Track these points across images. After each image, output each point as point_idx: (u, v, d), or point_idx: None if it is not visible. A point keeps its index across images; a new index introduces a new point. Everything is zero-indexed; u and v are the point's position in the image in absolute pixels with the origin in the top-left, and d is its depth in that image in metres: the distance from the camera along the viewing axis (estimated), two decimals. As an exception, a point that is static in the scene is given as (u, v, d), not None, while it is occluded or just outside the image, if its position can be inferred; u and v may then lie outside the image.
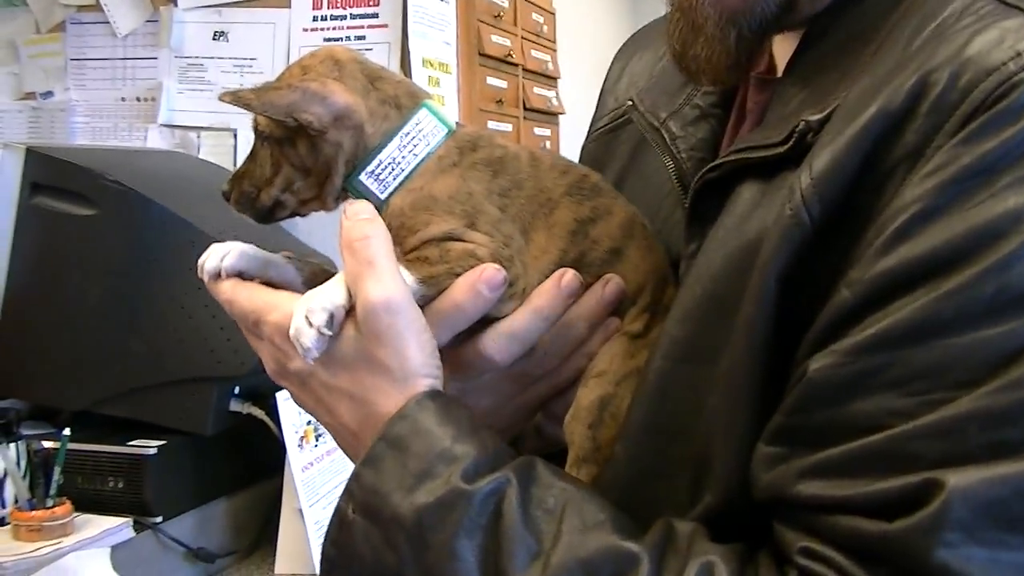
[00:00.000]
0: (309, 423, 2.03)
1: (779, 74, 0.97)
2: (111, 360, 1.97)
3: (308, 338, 0.88)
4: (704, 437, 0.84)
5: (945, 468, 0.67)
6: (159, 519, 1.88)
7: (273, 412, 1.98)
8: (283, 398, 1.95)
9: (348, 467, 1.92)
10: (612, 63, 1.29)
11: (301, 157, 0.97)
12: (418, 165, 0.96)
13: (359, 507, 0.85)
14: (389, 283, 0.88)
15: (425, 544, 0.81)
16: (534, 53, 3.65)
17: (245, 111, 0.96)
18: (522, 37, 3.42)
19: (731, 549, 0.79)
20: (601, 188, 1.03)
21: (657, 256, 1.02)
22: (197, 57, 2.82)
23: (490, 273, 0.91)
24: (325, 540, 0.87)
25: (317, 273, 0.99)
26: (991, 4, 0.78)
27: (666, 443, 0.87)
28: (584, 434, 0.96)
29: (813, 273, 0.77)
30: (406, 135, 0.96)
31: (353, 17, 2.66)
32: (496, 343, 0.95)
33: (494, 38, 3.11)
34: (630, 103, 1.12)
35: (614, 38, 6.53)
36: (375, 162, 0.96)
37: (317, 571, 1.91)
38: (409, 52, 2.56)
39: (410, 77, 2.55)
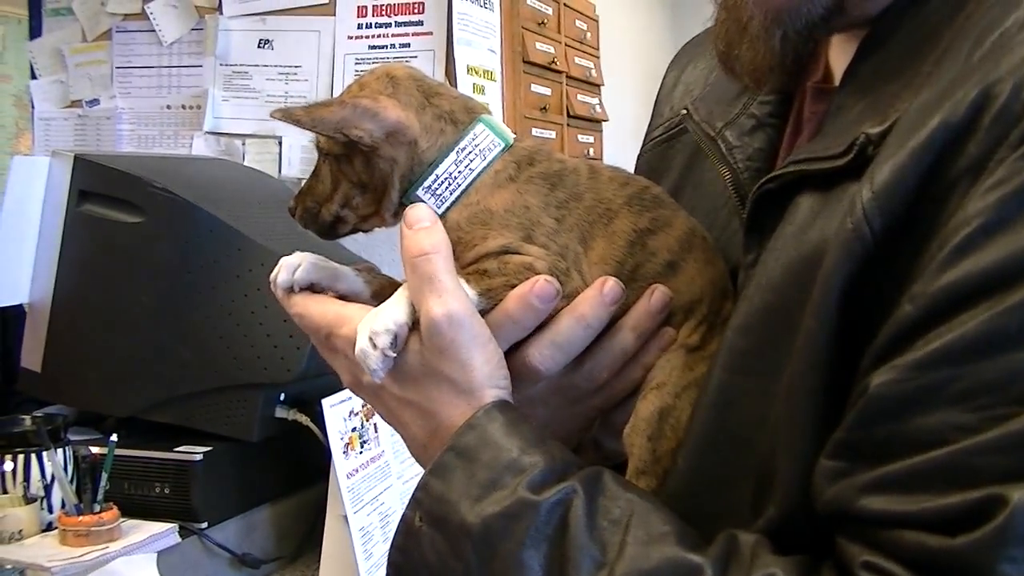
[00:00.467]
0: (354, 430, 2.03)
1: (836, 83, 0.95)
2: (158, 366, 1.99)
3: (373, 360, 0.90)
4: (766, 450, 0.83)
5: (1009, 483, 0.66)
6: (205, 525, 1.89)
7: (319, 419, 1.98)
8: (328, 405, 1.95)
9: (392, 474, 1.94)
10: (667, 71, 1.28)
11: (357, 173, 0.98)
12: (475, 180, 0.97)
13: (426, 515, 0.86)
14: (450, 298, 0.89)
15: (492, 553, 0.82)
16: (578, 60, 3.65)
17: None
18: (566, 44, 3.42)
19: (794, 562, 0.78)
20: (663, 200, 1.02)
21: (716, 270, 1.01)
22: (242, 65, 2.84)
23: (542, 286, 0.92)
24: (391, 547, 0.88)
25: (385, 286, 1.00)
26: None
27: (728, 455, 0.87)
28: (644, 446, 0.95)
29: (875, 287, 0.76)
30: (462, 150, 0.97)
31: (398, 25, 2.67)
32: (540, 353, 0.95)
33: (538, 45, 3.11)
34: (685, 112, 1.11)
35: (656, 45, 6.52)
36: (432, 177, 0.97)
37: (361, 577, 1.92)
38: (454, 60, 2.56)
39: (455, 85, 2.55)
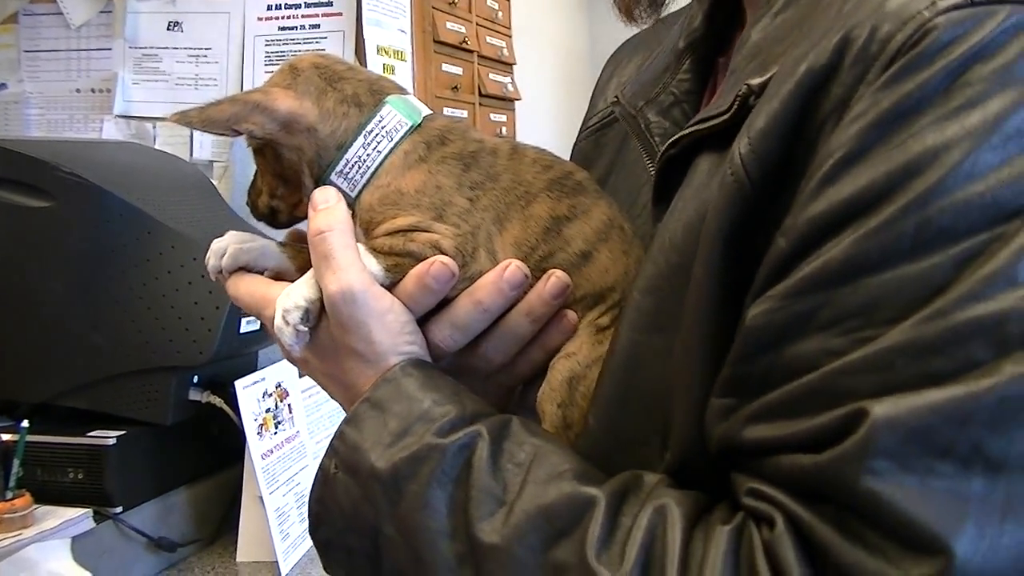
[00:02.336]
0: (268, 411, 2.04)
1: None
2: (70, 352, 1.98)
3: (287, 336, 0.95)
4: (668, 401, 0.86)
5: (872, 399, 0.68)
6: (120, 509, 1.89)
7: (232, 400, 1.99)
8: (242, 386, 1.96)
9: (308, 454, 1.95)
10: (604, 68, 1.33)
11: (271, 165, 1.02)
12: (383, 161, 0.99)
13: (341, 463, 0.90)
14: (344, 275, 0.93)
15: (399, 495, 0.86)
16: (489, 40, 3.66)
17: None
18: (477, 24, 3.43)
19: (690, 495, 0.81)
20: (585, 187, 1.04)
21: (631, 259, 1.03)
22: (152, 47, 2.82)
23: (438, 267, 0.95)
24: (311, 496, 0.92)
25: (308, 260, 1.00)
26: None
27: (638, 413, 0.89)
28: (555, 412, 0.98)
29: (757, 230, 0.78)
30: (369, 132, 0.99)
31: (307, 6, 2.66)
32: (440, 332, 0.98)
33: (449, 25, 3.11)
34: (615, 99, 1.14)
35: (568, 24, 6.54)
36: (343, 162, 0.99)
37: (278, 558, 1.93)
38: (364, 40, 2.57)
39: (365, 65, 2.56)
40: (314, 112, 0.99)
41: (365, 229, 0.99)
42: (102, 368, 1.96)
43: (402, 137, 0.99)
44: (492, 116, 3.67)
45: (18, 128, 2.94)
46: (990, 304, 0.67)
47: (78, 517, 1.81)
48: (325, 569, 0.95)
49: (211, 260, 1.03)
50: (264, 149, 1.01)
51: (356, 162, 0.99)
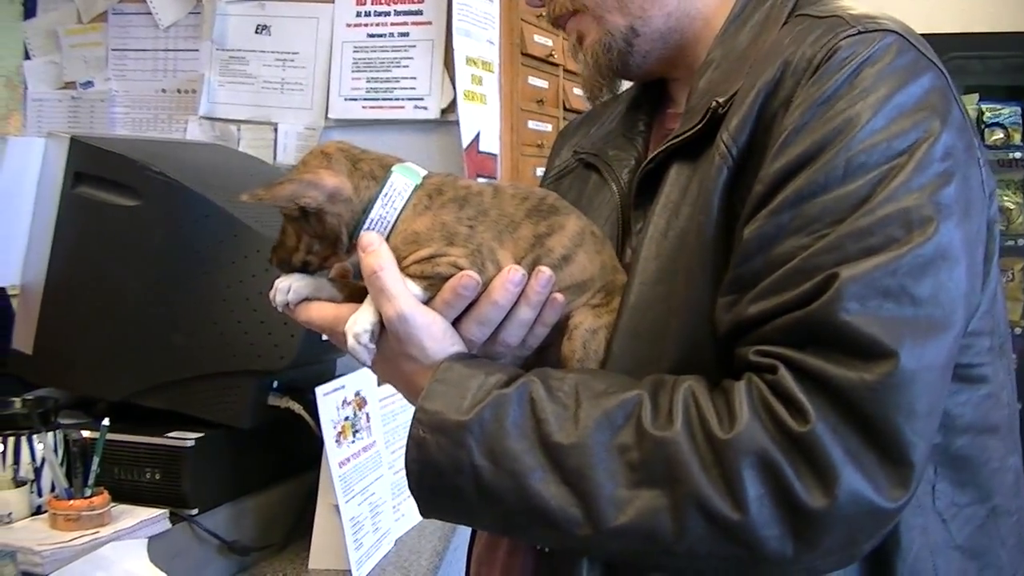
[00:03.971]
0: (347, 419, 2.03)
1: (681, 109, 1.37)
2: (151, 351, 1.98)
3: (361, 353, 1.25)
4: (664, 320, 1.23)
5: (837, 266, 1.08)
6: (195, 511, 1.88)
7: (311, 407, 1.97)
8: (322, 393, 1.95)
9: (384, 464, 1.99)
10: (556, 141, 1.72)
11: (314, 228, 1.26)
12: (399, 215, 1.26)
13: (428, 428, 1.17)
14: (397, 301, 1.20)
15: (485, 434, 1.14)
16: (575, 53, 3.63)
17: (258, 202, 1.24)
18: (563, 37, 3.40)
19: (702, 377, 1.16)
20: (557, 207, 1.32)
21: (604, 256, 1.33)
22: (239, 50, 2.83)
23: (466, 279, 1.21)
24: (407, 460, 1.18)
25: (353, 290, 1.30)
26: (811, 20, 1.24)
27: (645, 340, 1.25)
28: (576, 365, 1.27)
29: (738, 188, 1.19)
30: (385, 196, 1.26)
31: (397, 14, 2.65)
32: (469, 328, 1.25)
33: (536, 38, 3.10)
34: (572, 153, 1.57)
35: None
36: (368, 221, 1.26)
37: (351, 566, 1.92)
38: (453, 50, 2.55)
39: (453, 75, 2.55)
40: (349, 186, 1.25)
41: (398, 264, 1.24)
42: (182, 369, 1.96)
43: (410, 195, 1.26)
44: (575, 130, 3.64)
45: (103, 126, 2.96)
46: (899, 203, 1.10)
47: (155, 517, 1.80)
48: (425, 516, 1.23)
49: (278, 296, 1.29)
50: (307, 217, 1.25)
51: (378, 219, 1.25)
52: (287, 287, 1.29)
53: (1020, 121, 6.21)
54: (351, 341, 1.23)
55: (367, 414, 2.11)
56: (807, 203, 1.12)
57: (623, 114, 1.54)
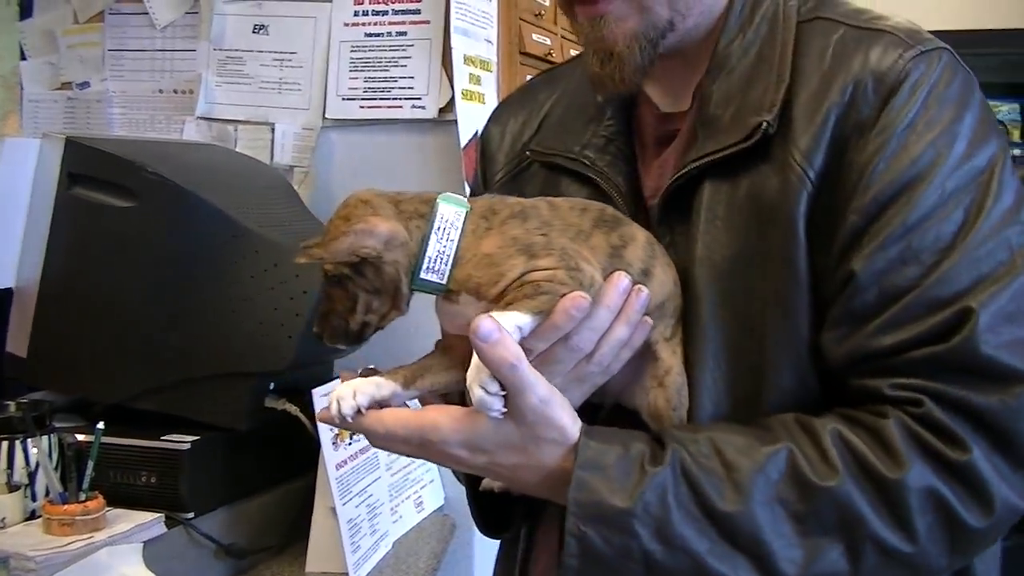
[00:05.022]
0: (344, 422, 2.01)
1: (664, 110, 1.39)
2: (146, 354, 1.97)
3: (492, 403, 1.12)
4: (758, 351, 1.22)
5: (966, 297, 1.14)
6: (191, 515, 1.88)
7: (308, 409, 1.97)
8: (319, 395, 1.94)
9: (381, 466, 1.97)
10: (490, 128, 1.61)
11: (371, 281, 1.16)
12: (459, 246, 1.17)
13: (587, 521, 1.12)
14: (538, 388, 1.12)
15: (652, 518, 1.11)
16: (574, 52, 3.62)
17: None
18: (562, 36, 3.39)
19: (835, 415, 1.18)
20: (620, 217, 1.26)
21: (674, 268, 1.27)
22: (236, 50, 2.80)
23: (578, 300, 1.13)
24: (563, 557, 1.13)
25: (408, 376, 1.19)
26: (855, 32, 1.26)
27: (742, 374, 1.23)
28: (671, 415, 1.23)
29: (819, 212, 1.20)
30: (439, 230, 1.17)
31: (395, 12, 2.63)
32: (581, 336, 1.17)
33: (535, 37, 3.08)
34: (528, 153, 1.48)
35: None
36: (426, 260, 1.17)
37: (349, 569, 1.91)
38: (451, 49, 2.54)
39: (451, 75, 2.54)
40: (401, 229, 1.16)
41: (476, 295, 1.16)
42: (179, 371, 1.95)
43: (464, 221, 1.18)
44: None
45: (100, 127, 2.94)
46: (996, 225, 1.17)
47: (150, 522, 1.80)
48: None
49: (344, 406, 1.16)
50: (361, 271, 1.15)
51: (437, 256, 1.17)
52: (350, 392, 1.16)
53: (1020, 118, 6.22)
54: (477, 394, 1.12)
55: (365, 416, 2.10)
56: (912, 234, 1.16)
57: (579, 107, 1.45)
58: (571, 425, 1.16)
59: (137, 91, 2.93)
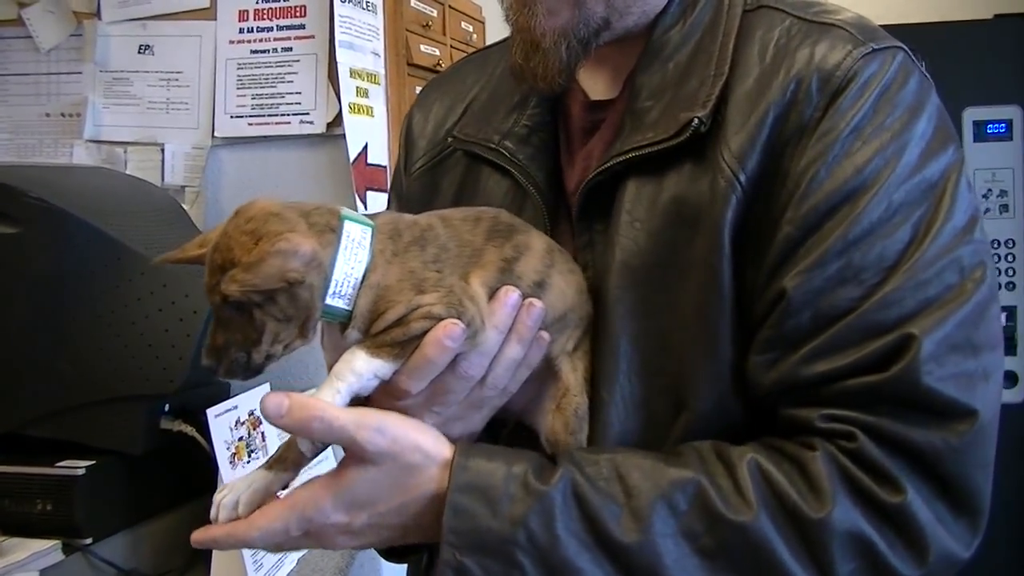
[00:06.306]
0: (241, 439, 2.01)
1: (593, 97, 1.28)
2: (37, 380, 1.95)
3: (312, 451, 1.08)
4: (674, 370, 1.12)
5: (907, 323, 1.04)
6: (89, 541, 1.86)
7: (204, 429, 1.96)
8: (214, 415, 1.93)
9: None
10: (413, 113, 1.49)
11: (283, 309, 1.01)
12: (367, 270, 1.05)
13: (466, 550, 1.02)
14: (367, 421, 1.03)
15: (534, 543, 1.02)
16: (464, 62, 3.63)
17: (244, 288, 0.99)
18: (451, 46, 3.41)
19: (758, 445, 1.09)
20: (515, 225, 1.17)
21: (577, 276, 1.19)
22: (122, 71, 2.79)
23: (451, 328, 1.04)
24: None
25: (287, 459, 1.10)
26: (802, 24, 1.17)
27: (643, 381, 1.14)
28: (568, 439, 1.15)
29: (751, 221, 1.10)
30: (346, 249, 1.04)
31: (280, 28, 2.64)
32: (470, 362, 1.09)
33: (423, 48, 3.09)
34: (450, 140, 1.37)
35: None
36: (333, 283, 1.04)
37: (252, 590, 1.89)
38: (337, 63, 2.54)
39: (338, 89, 2.54)
40: (319, 246, 1.02)
41: (364, 330, 1.06)
42: (70, 396, 1.93)
43: (371, 243, 1.06)
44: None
45: (-14, 154, 2.90)
46: (946, 246, 1.06)
47: (47, 549, 1.78)
48: None
49: (222, 513, 1.07)
50: (273, 298, 1.00)
51: (343, 280, 1.04)
52: (233, 501, 1.08)
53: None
54: (304, 447, 1.07)
55: (262, 433, 2.09)
56: (853, 251, 1.06)
57: (504, 93, 1.35)
58: (433, 443, 1.06)
59: (23, 116, 2.90)
